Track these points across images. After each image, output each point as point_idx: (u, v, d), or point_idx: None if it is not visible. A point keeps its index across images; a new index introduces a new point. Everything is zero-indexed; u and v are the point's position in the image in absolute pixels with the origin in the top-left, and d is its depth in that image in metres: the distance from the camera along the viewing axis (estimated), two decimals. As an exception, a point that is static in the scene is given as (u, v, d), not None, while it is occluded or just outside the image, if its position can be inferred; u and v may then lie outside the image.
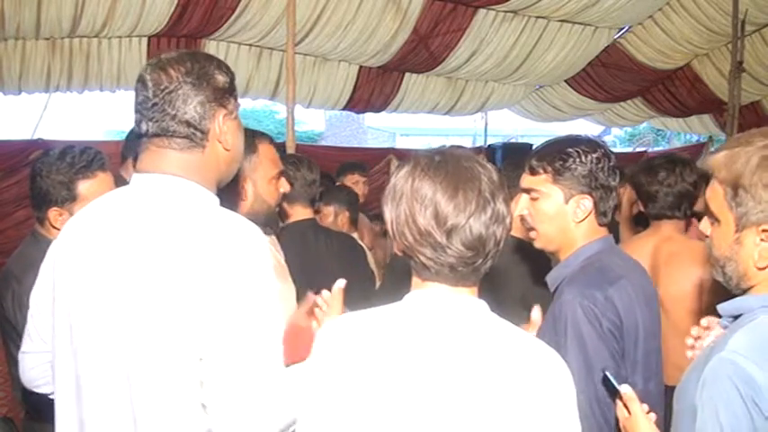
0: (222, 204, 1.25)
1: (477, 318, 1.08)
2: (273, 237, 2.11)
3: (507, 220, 1.08)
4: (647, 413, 1.21)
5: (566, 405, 1.05)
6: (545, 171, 1.55)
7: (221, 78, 1.23)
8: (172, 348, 1.12)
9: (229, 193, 1.57)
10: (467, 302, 1.09)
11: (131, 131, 2.30)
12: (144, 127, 1.20)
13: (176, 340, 1.12)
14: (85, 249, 1.21)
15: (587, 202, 1.54)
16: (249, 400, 1.12)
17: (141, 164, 1.23)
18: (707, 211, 1.18)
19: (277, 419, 1.15)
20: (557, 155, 1.55)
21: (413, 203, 1.04)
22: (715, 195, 1.14)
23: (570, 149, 1.54)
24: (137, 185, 1.23)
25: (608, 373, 1.27)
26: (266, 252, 1.18)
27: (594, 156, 1.53)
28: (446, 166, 1.06)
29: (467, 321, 1.07)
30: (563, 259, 1.59)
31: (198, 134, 1.21)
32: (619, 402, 1.24)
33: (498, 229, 1.06)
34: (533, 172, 1.57)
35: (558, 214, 1.55)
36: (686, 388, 1.11)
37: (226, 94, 1.24)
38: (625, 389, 1.17)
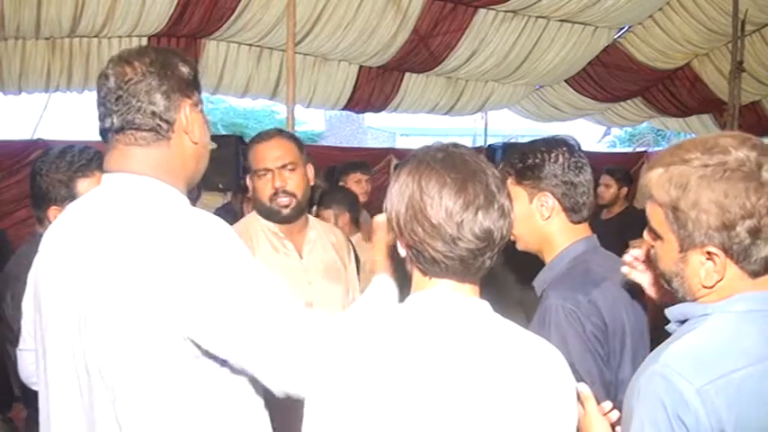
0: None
1: (483, 320, 1.08)
2: (343, 245, 2.25)
3: (512, 215, 1.09)
4: (611, 410, 1.20)
5: (571, 407, 1.06)
6: (509, 174, 1.59)
7: (185, 70, 1.23)
8: (143, 347, 1.11)
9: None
10: (471, 304, 1.09)
11: None
12: (108, 122, 1.19)
13: (148, 341, 1.11)
14: (60, 255, 1.21)
15: (549, 199, 1.55)
16: (282, 354, 1.10)
17: (109, 162, 1.22)
18: (648, 227, 1.16)
19: (315, 356, 1.12)
20: (517, 157, 1.59)
21: (422, 197, 1.04)
22: (655, 215, 1.12)
23: (528, 150, 1.58)
24: (106, 186, 1.22)
25: None
26: (236, 241, 1.17)
27: (553, 154, 1.55)
28: (452, 160, 1.07)
29: (473, 324, 1.07)
30: (548, 262, 1.60)
31: (163, 125, 1.19)
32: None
33: (504, 224, 1.07)
34: (502, 176, 1.61)
35: (527, 215, 1.57)
36: (629, 394, 1.10)
37: (190, 86, 1.23)
38: (581, 387, 1.17)
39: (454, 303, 1.08)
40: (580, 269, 1.53)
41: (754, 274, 1.06)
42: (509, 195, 1.10)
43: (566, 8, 6.70)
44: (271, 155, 2.00)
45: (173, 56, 1.23)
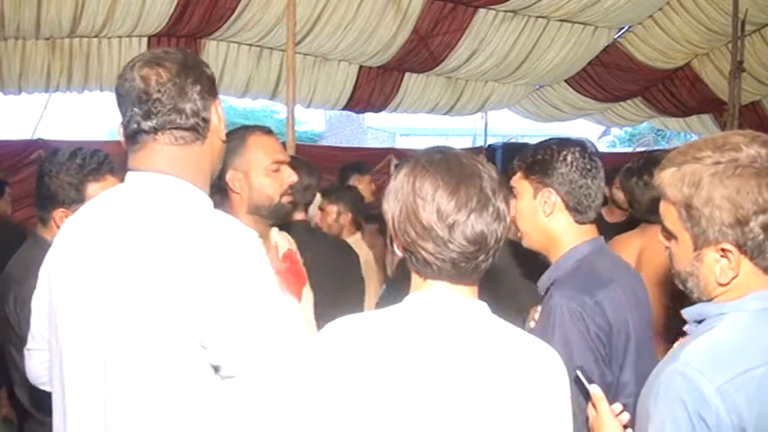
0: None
1: (479, 320, 1.08)
2: (292, 241, 2.10)
3: (507, 219, 1.08)
4: (621, 411, 1.20)
5: (566, 408, 1.07)
6: (519, 168, 1.60)
7: (209, 71, 1.25)
8: (158, 348, 1.11)
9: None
10: (468, 305, 1.09)
11: None
12: (146, 124, 1.18)
13: (165, 342, 1.11)
14: (79, 252, 1.20)
15: (552, 196, 1.55)
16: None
17: (134, 161, 1.22)
18: (662, 227, 1.16)
19: None
20: (529, 152, 1.59)
21: (415, 199, 1.04)
22: (668, 214, 1.12)
23: (540, 146, 1.59)
24: (130, 185, 1.22)
25: (579, 373, 1.26)
26: (257, 251, 1.17)
27: (563, 152, 1.55)
28: (447, 162, 1.07)
29: (468, 324, 1.07)
30: (553, 262, 1.59)
31: (202, 124, 1.21)
32: (589, 402, 1.24)
33: (499, 227, 1.06)
34: (513, 171, 1.63)
35: (530, 210, 1.58)
36: (646, 394, 1.11)
37: (215, 86, 1.26)
38: (594, 389, 1.17)
39: (450, 304, 1.08)
40: (585, 270, 1.52)
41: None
42: (506, 199, 1.09)
43: (566, 8, 6.71)
44: (280, 147, 1.89)
45: (196, 57, 1.25)
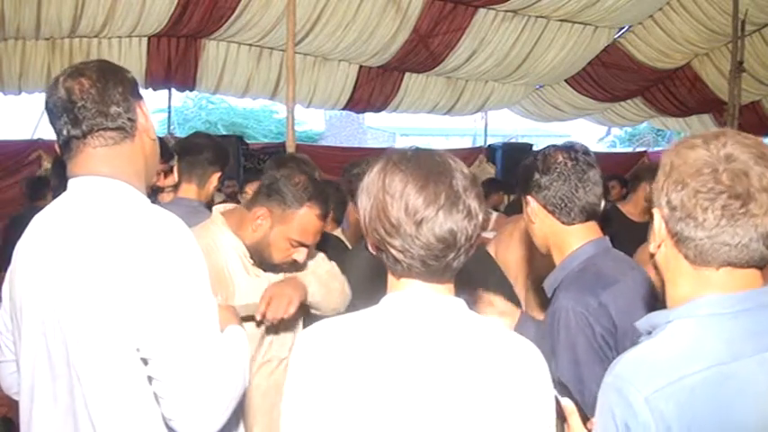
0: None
1: (457, 317, 1.07)
2: None
3: (480, 217, 1.06)
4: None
5: (548, 403, 1.07)
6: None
7: (130, 75, 1.32)
8: (105, 346, 1.18)
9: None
10: (445, 302, 1.08)
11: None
12: (75, 130, 1.25)
13: (107, 340, 1.17)
14: (32, 261, 1.27)
15: (530, 203, 1.60)
16: (191, 386, 1.17)
17: (75, 167, 1.28)
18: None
19: (222, 398, 1.20)
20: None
21: (384, 196, 1.03)
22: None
23: (526, 161, 1.64)
24: (70, 191, 1.29)
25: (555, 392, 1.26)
26: (191, 245, 1.23)
27: (537, 161, 1.58)
28: (418, 160, 1.05)
29: (447, 322, 1.06)
30: (558, 263, 1.60)
31: (128, 123, 1.27)
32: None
33: (470, 225, 1.04)
34: None
35: (527, 219, 1.65)
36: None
37: (137, 89, 1.33)
38: (565, 402, 1.16)
39: (427, 302, 1.07)
40: (591, 271, 1.52)
41: (692, 261, 1.03)
42: (478, 197, 1.07)
43: (566, 8, 6.72)
44: (317, 231, 1.83)
45: (115, 64, 1.33)
